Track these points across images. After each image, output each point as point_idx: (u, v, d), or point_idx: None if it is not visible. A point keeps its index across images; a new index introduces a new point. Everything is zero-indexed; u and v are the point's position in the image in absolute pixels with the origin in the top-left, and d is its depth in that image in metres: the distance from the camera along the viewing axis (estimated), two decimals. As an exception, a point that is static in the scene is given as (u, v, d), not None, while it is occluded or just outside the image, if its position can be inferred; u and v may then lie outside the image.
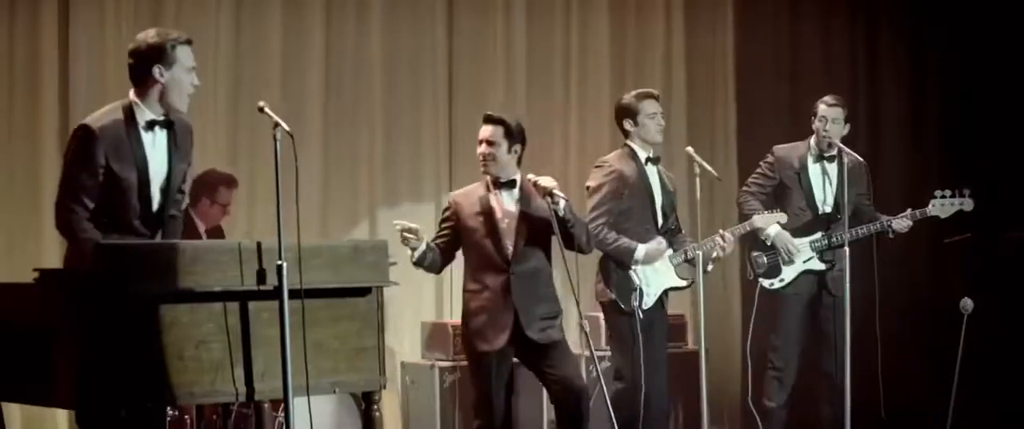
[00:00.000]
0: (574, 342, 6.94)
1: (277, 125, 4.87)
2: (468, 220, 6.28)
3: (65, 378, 4.61)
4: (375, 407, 5.20)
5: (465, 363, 7.89)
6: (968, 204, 7.29)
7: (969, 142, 9.07)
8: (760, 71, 9.67)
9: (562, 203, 6.10)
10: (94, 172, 4.98)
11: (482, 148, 6.27)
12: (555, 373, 6.21)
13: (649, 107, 6.86)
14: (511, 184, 6.27)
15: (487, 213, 6.24)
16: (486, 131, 6.27)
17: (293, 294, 4.77)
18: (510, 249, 6.20)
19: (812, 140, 7.35)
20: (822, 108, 7.31)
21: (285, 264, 4.75)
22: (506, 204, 6.26)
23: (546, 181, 6.17)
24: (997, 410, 7.71)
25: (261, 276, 4.77)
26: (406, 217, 9.03)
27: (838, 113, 7.29)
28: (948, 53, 9.28)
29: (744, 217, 7.24)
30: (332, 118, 8.86)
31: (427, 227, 9.04)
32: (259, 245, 4.83)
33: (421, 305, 9.01)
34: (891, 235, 7.29)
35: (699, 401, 8.10)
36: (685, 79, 9.78)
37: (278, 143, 4.86)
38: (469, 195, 6.35)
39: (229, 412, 5.73)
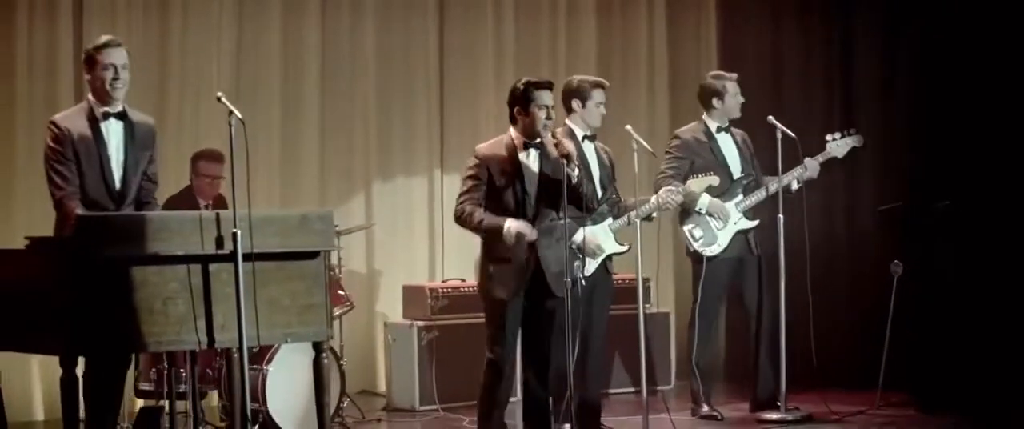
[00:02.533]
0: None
1: (231, 113, 5.67)
2: (496, 177, 6.59)
3: (52, 329, 5.47)
4: (324, 355, 6.00)
5: (441, 323, 8.71)
6: (858, 140, 8.03)
7: (938, 133, 9.66)
8: (742, 69, 10.23)
9: (577, 170, 6.55)
10: (68, 157, 6.02)
11: (547, 115, 6.58)
12: (544, 337, 6.64)
13: (598, 96, 7.42)
14: (537, 144, 6.64)
15: (516, 169, 6.59)
16: (552, 98, 6.64)
17: (247, 257, 5.57)
18: (533, 205, 6.60)
19: (705, 116, 8.06)
20: (730, 86, 8.03)
21: (239, 231, 5.56)
22: (532, 162, 6.63)
23: (569, 145, 6.64)
24: (927, 365, 8.35)
25: (219, 242, 5.60)
26: (399, 191, 9.89)
27: (738, 87, 8.05)
28: (918, 50, 9.81)
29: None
30: (328, 103, 9.57)
31: (420, 201, 9.92)
32: (218, 215, 5.66)
33: (414, 270, 9.74)
34: (796, 186, 7.91)
35: (648, 358, 8.88)
36: (668, 75, 10.47)
37: (233, 128, 5.64)
38: (495, 147, 6.65)
39: (195, 359, 6.52)
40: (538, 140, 6.61)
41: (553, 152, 6.63)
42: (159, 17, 9.02)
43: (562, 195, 6.51)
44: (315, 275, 5.89)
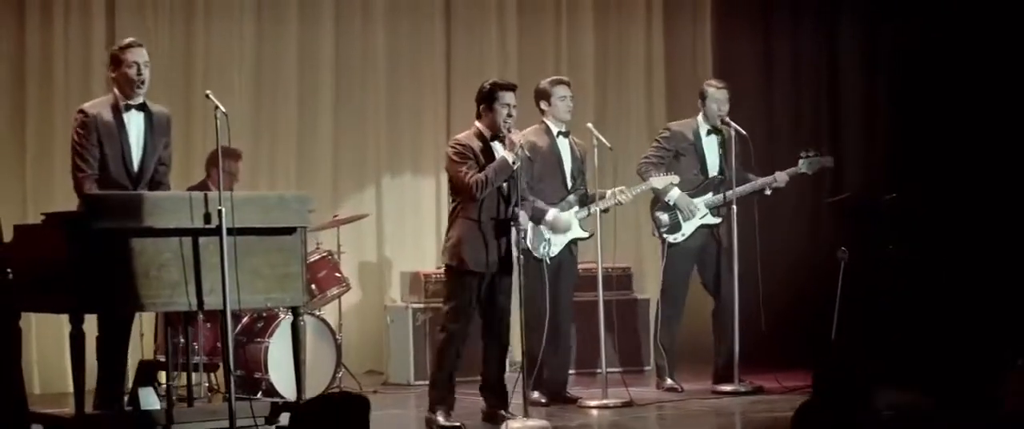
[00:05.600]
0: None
1: (217, 108, 6.53)
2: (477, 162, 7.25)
3: (62, 291, 6.40)
4: (301, 318, 6.91)
5: (435, 305, 9.42)
6: (829, 161, 8.78)
7: (915, 129, 10.37)
8: (735, 71, 10.81)
9: (518, 162, 7.25)
10: (92, 143, 6.85)
11: (508, 113, 7.30)
12: (503, 296, 7.41)
13: (559, 91, 8.22)
14: (502, 138, 7.31)
15: (491, 158, 7.25)
16: (514, 99, 7.36)
17: (231, 231, 6.43)
18: (507, 190, 7.32)
19: (699, 117, 8.78)
20: (711, 91, 8.74)
21: (224, 209, 6.44)
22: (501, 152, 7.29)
23: (517, 136, 7.35)
24: (875, 345, 9.06)
25: (207, 218, 6.49)
26: (407, 185, 10.68)
27: (724, 95, 8.74)
28: (898, 54, 10.54)
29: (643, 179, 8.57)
30: (341, 102, 10.32)
31: (428, 195, 10.70)
32: (205, 195, 6.55)
33: (422, 260, 10.41)
34: (768, 192, 8.69)
35: (631, 341, 9.68)
36: (664, 77, 11.14)
37: (218, 122, 6.50)
38: (470, 139, 7.35)
39: (190, 321, 7.40)
40: (502, 134, 7.35)
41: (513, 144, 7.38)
42: (184, 17, 9.81)
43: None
44: (292, 248, 6.76)
